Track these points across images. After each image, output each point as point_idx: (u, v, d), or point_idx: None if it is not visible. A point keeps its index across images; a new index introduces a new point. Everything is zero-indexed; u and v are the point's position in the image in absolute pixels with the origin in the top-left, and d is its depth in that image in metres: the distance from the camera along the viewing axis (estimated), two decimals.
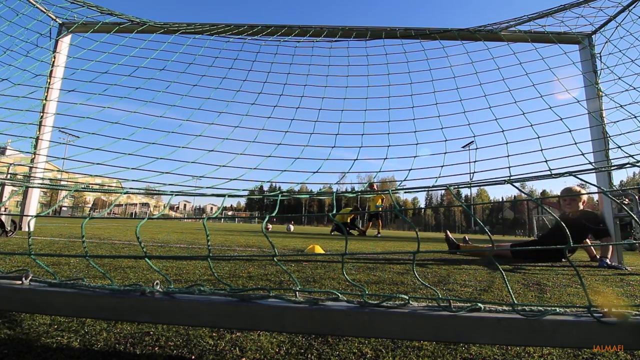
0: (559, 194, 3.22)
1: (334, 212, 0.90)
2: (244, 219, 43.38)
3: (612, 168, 1.84)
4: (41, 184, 1.76)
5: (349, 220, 9.76)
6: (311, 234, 8.09)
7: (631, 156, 1.47)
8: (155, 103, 2.16)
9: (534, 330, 0.58)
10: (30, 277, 0.71)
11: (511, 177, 1.14)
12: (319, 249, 2.95)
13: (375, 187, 10.42)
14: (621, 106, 2.13)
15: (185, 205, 79.97)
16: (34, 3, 2.91)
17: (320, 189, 1.83)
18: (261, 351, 0.75)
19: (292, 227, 11.06)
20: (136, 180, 1.40)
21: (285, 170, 1.72)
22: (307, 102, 2.32)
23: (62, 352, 0.69)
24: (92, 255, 0.78)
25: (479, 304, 0.63)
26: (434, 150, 2.01)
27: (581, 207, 3.02)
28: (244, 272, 1.75)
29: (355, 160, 1.92)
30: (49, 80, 3.01)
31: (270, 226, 12.33)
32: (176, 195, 0.99)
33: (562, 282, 1.83)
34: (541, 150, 1.69)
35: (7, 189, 3.53)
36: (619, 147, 1.62)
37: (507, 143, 1.90)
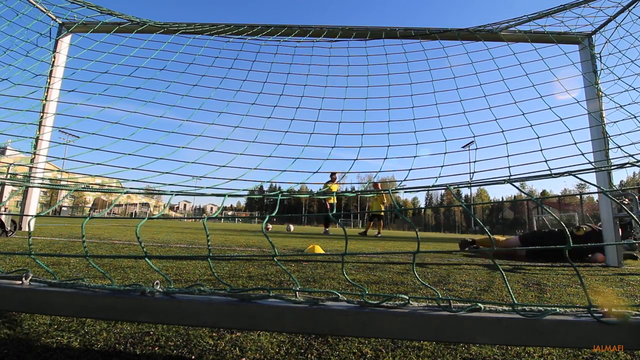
0: (558, 193, 3.22)
1: (334, 212, 0.90)
2: (244, 219, 43.36)
3: (612, 168, 1.84)
4: (41, 184, 1.76)
5: (333, 201, 9.21)
6: (311, 234, 8.08)
7: (631, 156, 1.47)
8: (155, 103, 2.16)
9: (534, 330, 0.58)
10: (30, 277, 0.71)
11: (511, 177, 1.13)
12: (319, 249, 2.95)
13: (379, 186, 10.36)
14: (621, 106, 2.13)
15: (185, 205, 79.93)
16: (34, 3, 2.91)
17: (320, 189, 1.82)
18: (261, 351, 0.75)
19: (292, 227, 11.06)
20: (136, 180, 1.40)
21: (285, 170, 1.72)
22: (307, 102, 2.32)
23: (62, 352, 0.69)
24: (92, 255, 0.78)
25: (479, 304, 0.63)
26: (434, 150, 2.01)
27: None
28: (244, 272, 1.75)
29: (355, 160, 1.92)
30: (49, 80, 3.01)
31: (270, 226, 12.32)
32: (176, 195, 0.99)
33: (562, 282, 1.83)
34: (541, 150, 1.69)
35: (7, 189, 3.53)
36: (619, 147, 1.62)
37: (507, 143, 1.90)
